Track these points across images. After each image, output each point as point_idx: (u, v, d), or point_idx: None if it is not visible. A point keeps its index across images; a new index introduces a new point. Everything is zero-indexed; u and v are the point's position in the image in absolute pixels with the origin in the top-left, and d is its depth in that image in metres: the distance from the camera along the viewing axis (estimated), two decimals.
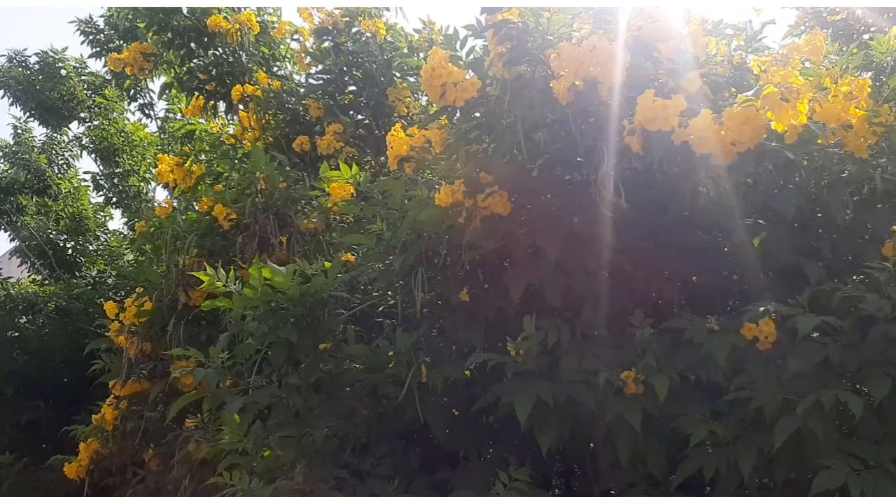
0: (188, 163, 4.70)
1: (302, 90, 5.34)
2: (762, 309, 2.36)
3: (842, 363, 2.26)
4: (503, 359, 2.80)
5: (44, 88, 7.97)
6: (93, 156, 8.34)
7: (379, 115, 5.20)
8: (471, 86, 2.79)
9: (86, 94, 8.26)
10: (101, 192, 8.20)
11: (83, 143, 8.44)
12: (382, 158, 4.66)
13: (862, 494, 2.08)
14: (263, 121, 5.10)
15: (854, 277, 2.50)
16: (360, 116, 5.20)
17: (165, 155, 5.29)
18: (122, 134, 8.24)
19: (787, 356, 2.33)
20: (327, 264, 3.10)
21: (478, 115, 2.92)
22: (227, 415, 2.90)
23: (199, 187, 4.76)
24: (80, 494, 4.88)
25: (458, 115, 2.93)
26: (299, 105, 5.20)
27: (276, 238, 3.87)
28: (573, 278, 2.94)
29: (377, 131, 5.09)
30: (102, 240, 8.08)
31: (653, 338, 2.68)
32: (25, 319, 6.81)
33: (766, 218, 2.68)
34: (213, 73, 5.52)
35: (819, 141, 2.51)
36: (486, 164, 2.92)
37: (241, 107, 5.23)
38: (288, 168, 4.40)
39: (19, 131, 8.54)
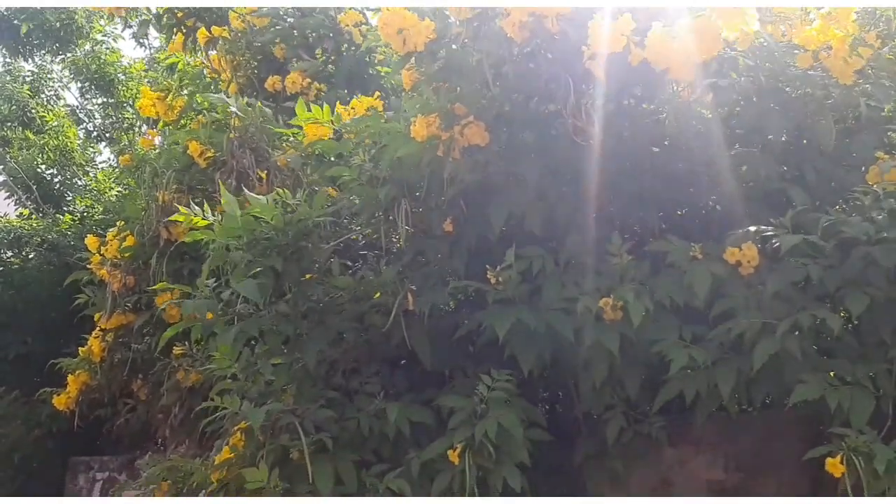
0: (170, 97, 4.61)
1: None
2: (746, 231, 2.38)
3: (821, 283, 2.30)
4: (484, 286, 2.84)
5: (44, 9, 7.76)
6: (81, 86, 8.15)
7: (340, 46, 5.12)
8: (425, 28, 2.75)
9: (84, 21, 8.06)
10: (81, 126, 8.04)
11: (79, 68, 8.22)
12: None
13: (839, 407, 2.15)
14: (234, 62, 5.01)
15: (837, 205, 2.53)
16: (326, 54, 5.12)
17: (149, 87, 5.18)
18: (117, 64, 8.06)
19: (767, 277, 2.36)
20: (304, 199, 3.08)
21: (443, 55, 2.88)
22: (219, 342, 2.93)
23: (183, 121, 4.69)
24: (71, 425, 4.96)
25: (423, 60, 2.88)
26: (270, 46, 5.13)
27: (254, 173, 3.84)
28: (554, 207, 2.97)
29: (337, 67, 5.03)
30: (91, 175, 7.97)
31: (631, 264, 2.72)
32: (10, 254, 6.75)
33: (751, 144, 2.69)
34: (191, 9, 5.36)
35: (798, 63, 2.50)
36: (458, 99, 2.90)
37: (211, 49, 5.15)
38: (260, 103, 4.34)
39: (7, 60, 8.34)
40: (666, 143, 2.83)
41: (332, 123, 3.21)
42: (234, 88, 4.88)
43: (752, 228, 2.41)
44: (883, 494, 2.12)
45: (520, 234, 2.97)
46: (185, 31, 5.40)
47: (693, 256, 2.55)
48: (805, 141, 2.80)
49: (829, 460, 2.11)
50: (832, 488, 2.97)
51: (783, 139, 2.75)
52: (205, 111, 4.53)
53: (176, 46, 5.47)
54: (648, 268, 2.75)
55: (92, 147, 8.19)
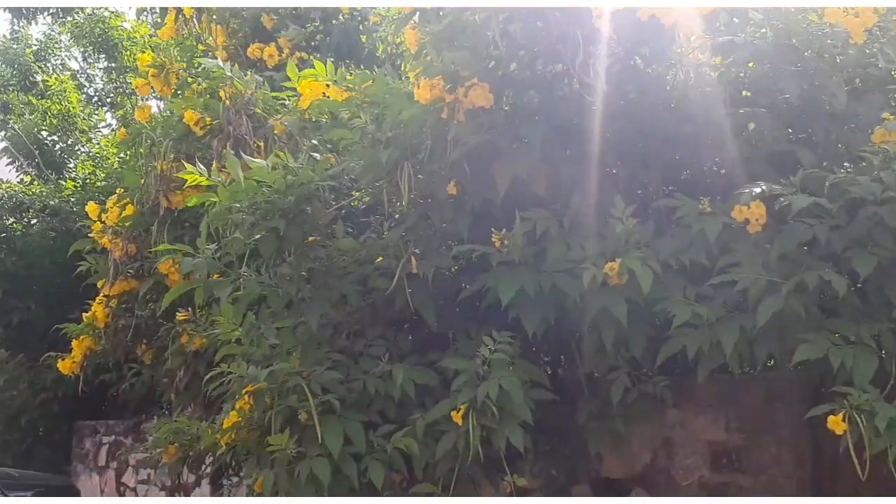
0: (163, 72, 4.55)
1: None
2: (755, 191, 2.36)
3: (828, 244, 2.29)
4: (488, 249, 2.83)
5: None
6: (84, 50, 8.04)
7: (330, 17, 5.06)
8: None
9: None
10: (82, 91, 7.96)
11: (82, 31, 8.10)
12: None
13: (842, 366, 2.15)
14: (222, 30, 4.97)
15: (845, 167, 2.51)
16: (315, 23, 5.06)
17: (144, 54, 5.12)
18: (121, 28, 7.95)
19: (774, 237, 2.35)
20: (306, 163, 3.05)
21: (448, 11, 2.82)
22: (222, 304, 2.94)
23: (182, 91, 4.64)
24: (76, 389, 4.99)
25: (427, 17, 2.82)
26: (259, 16, 5.08)
27: (251, 139, 3.81)
28: (559, 170, 2.95)
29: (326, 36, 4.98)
30: (94, 142, 7.92)
31: (635, 227, 2.70)
32: (12, 220, 6.74)
33: (758, 106, 2.66)
34: None
35: (812, 17, 2.45)
36: (464, 60, 2.86)
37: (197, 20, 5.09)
38: (252, 72, 4.30)
39: (15, 28, 8.23)
40: (672, 105, 2.80)
41: (336, 83, 3.15)
42: (224, 56, 4.86)
43: (763, 187, 2.37)
44: (884, 452, 2.14)
45: (523, 197, 2.96)
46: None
47: (702, 211, 2.53)
48: (810, 106, 2.77)
49: (831, 418, 2.12)
50: (831, 448, 3.02)
51: (791, 100, 2.72)
52: (200, 79, 4.49)
53: (169, 24, 5.39)
54: (652, 229, 2.74)
55: (96, 114, 8.10)
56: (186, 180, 3.40)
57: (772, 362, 3.45)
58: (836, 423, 2.08)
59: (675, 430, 3.30)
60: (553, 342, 3.41)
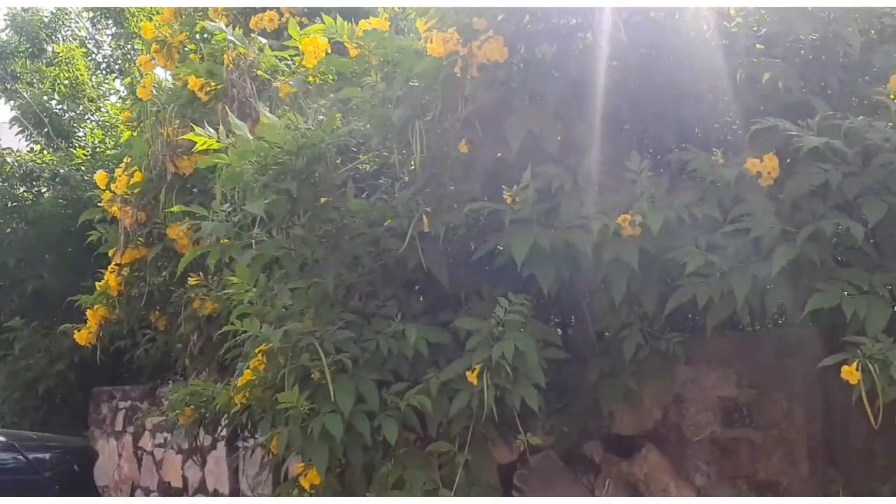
0: (166, 47, 4.52)
1: None
2: (771, 128, 2.33)
3: (839, 191, 2.27)
4: (500, 207, 2.83)
5: None
6: (92, 16, 7.96)
7: None
8: None
9: None
10: (90, 57, 7.92)
11: None
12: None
13: (854, 316, 2.15)
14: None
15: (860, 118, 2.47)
16: None
17: (148, 23, 5.08)
18: None
19: (786, 182, 2.32)
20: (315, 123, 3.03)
21: None
22: (236, 266, 2.95)
23: (187, 60, 4.62)
24: (94, 358, 5.06)
25: None
26: None
27: (256, 102, 3.80)
28: (572, 126, 2.92)
29: None
30: (103, 110, 7.91)
31: (650, 181, 2.69)
32: (23, 189, 6.77)
33: (773, 56, 2.62)
34: None
35: None
36: (478, 11, 2.82)
37: None
38: (255, 35, 4.26)
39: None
40: (688, 58, 2.76)
41: (340, 34, 3.11)
42: (226, 21, 4.82)
43: (779, 123, 2.34)
44: (890, 406, 2.15)
45: (536, 155, 2.93)
46: None
47: (715, 163, 2.51)
48: (824, 57, 2.73)
49: (844, 368, 2.12)
50: (843, 403, 3.03)
51: (804, 52, 2.68)
52: (202, 45, 4.46)
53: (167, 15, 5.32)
54: (667, 184, 2.72)
55: (105, 82, 8.05)
56: (193, 146, 3.41)
57: (783, 319, 3.47)
58: (850, 373, 2.08)
59: (686, 387, 3.32)
60: (564, 302, 3.42)
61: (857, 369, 2.07)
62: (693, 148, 2.61)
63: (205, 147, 2.98)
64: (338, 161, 3.30)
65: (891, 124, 2.29)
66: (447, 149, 3.11)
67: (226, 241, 3.04)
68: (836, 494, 2.68)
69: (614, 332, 3.11)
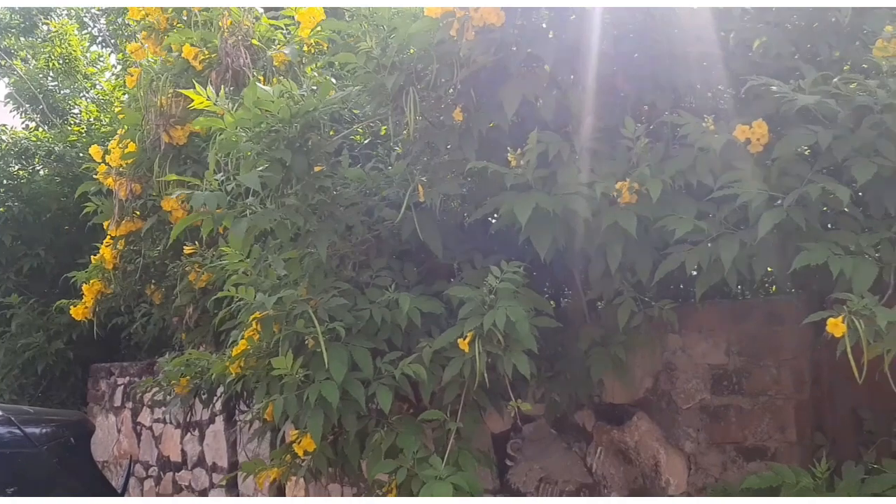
0: (153, 33, 4.48)
1: None
2: (762, 87, 2.33)
3: (829, 152, 2.27)
4: (503, 169, 2.82)
5: None
6: None
7: None
8: None
9: None
10: (85, 31, 7.86)
11: None
12: None
13: (841, 274, 2.17)
14: None
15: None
16: None
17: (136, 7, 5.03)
18: None
19: (775, 143, 2.33)
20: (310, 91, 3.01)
21: None
22: (230, 236, 2.96)
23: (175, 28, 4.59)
24: (91, 334, 5.07)
25: None
26: None
27: (250, 71, 3.78)
28: (567, 92, 2.92)
29: None
30: (98, 87, 7.87)
31: (645, 148, 2.70)
32: (18, 167, 6.76)
33: (766, 21, 2.63)
34: None
35: None
36: None
37: None
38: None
39: None
40: (682, 22, 2.76)
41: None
42: None
43: (772, 86, 2.35)
44: (882, 356, 2.17)
45: (531, 123, 2.93)
46: None
47: (706, 129, 2.53)
48: (816, 24, 2.74)
49: (830, 321, 2.13)
50: (830, 370, 3.08)
51: (796, 19, 2.69)
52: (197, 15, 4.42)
53: None
54: (662, 151, 2.73)
55: (101, 59, 7.99)
56: (187, 115, 3.39)
57: (773, 288, 3.50)
58: (835, 325, 2.11)
59: (676, 356, 3.36)
60: (558, 273, 3.45)
61: (843, 323, 2.09)
62: (685, 114, 2.62)
63: (201, 106, 2.96)
64: (332, 130, 3.30)
65: (888, 83, 2.28)
66: (442, 117, 3.11)
67: (219, 210, 3.05)
68: (824, 459, 2.72)
69: (607, 301, 3.14)
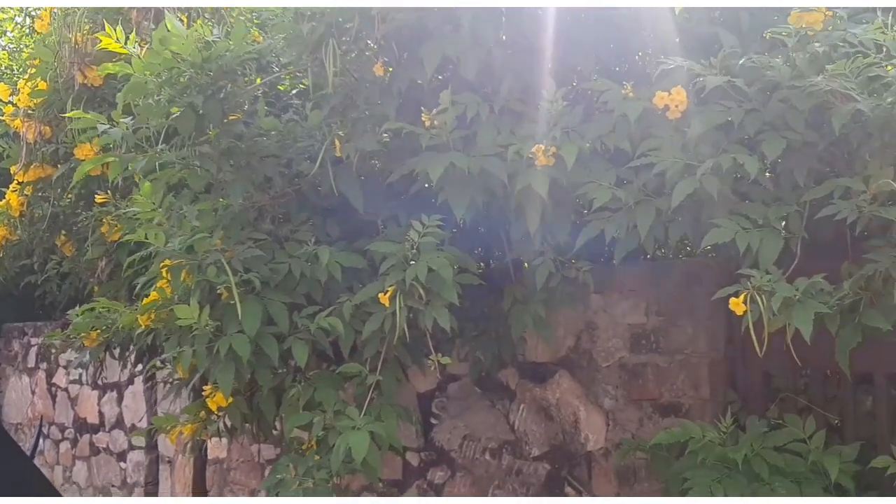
0: None
1: None
2: (676, 68, 2.36)
3: (742, 127, 2.32)
4: (418, 129, 2.78)
5: None
6: None
7: None
8: None
9: None
10: None
11: None
12: None
13: (748, 249, 2.23)
14: None
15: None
16: None
17: None
18: None
19: (693, 120, 2.38)
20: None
21: None
22: (143, 186, 2.82)
23: None
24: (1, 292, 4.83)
25: None
26: None
27: (174, 12, 3.58)
28: (491, 52, 2.88)
29: None
30: (8, 35, 7.38)
31: (565, 110, 2.69)
32: None
33: None
34: None
35: None
36: None
37: None
38: None
39: None
40: None
41: None
42: None
43: (684, 66, 2.38)
44: (782, 331, 2.24)
45: (454, 81, 2.89)
46: None
47: (625, 95, 2.53)
48: None
49: (732, 300, 2.21)
50: (742, 328, 3.16)
51: None
52: None
53: None
54: (581, 113, 2.73)
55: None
56: (104, 55, 3.19)
57: (690, 250, 3.57)
58: (737, 305, 2.19)
59: (598, 315, 3.40)
60: (485, 234, 3.43)
61: (744, 301, 2.16)
62: (606, 81, 2.62)
63: (110, 49, 2.79)
64: (259, 78, 3.16)
65: (794, 58, 2.32)
66: (364, 73, 3.02)
67: (128, 153, 2.90)
68: (734, 415, 2.81)
69: (529, 260, 3.14)
